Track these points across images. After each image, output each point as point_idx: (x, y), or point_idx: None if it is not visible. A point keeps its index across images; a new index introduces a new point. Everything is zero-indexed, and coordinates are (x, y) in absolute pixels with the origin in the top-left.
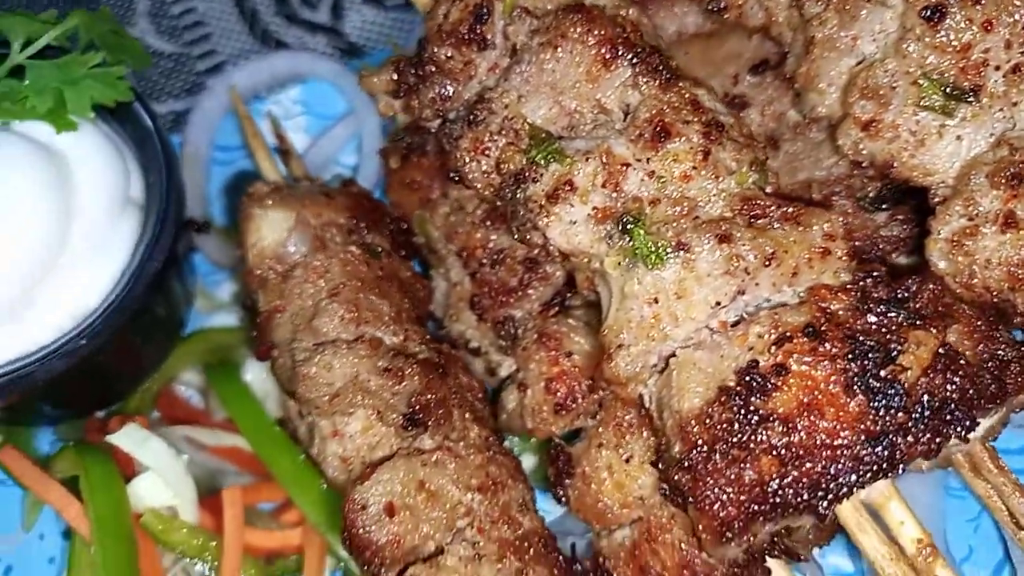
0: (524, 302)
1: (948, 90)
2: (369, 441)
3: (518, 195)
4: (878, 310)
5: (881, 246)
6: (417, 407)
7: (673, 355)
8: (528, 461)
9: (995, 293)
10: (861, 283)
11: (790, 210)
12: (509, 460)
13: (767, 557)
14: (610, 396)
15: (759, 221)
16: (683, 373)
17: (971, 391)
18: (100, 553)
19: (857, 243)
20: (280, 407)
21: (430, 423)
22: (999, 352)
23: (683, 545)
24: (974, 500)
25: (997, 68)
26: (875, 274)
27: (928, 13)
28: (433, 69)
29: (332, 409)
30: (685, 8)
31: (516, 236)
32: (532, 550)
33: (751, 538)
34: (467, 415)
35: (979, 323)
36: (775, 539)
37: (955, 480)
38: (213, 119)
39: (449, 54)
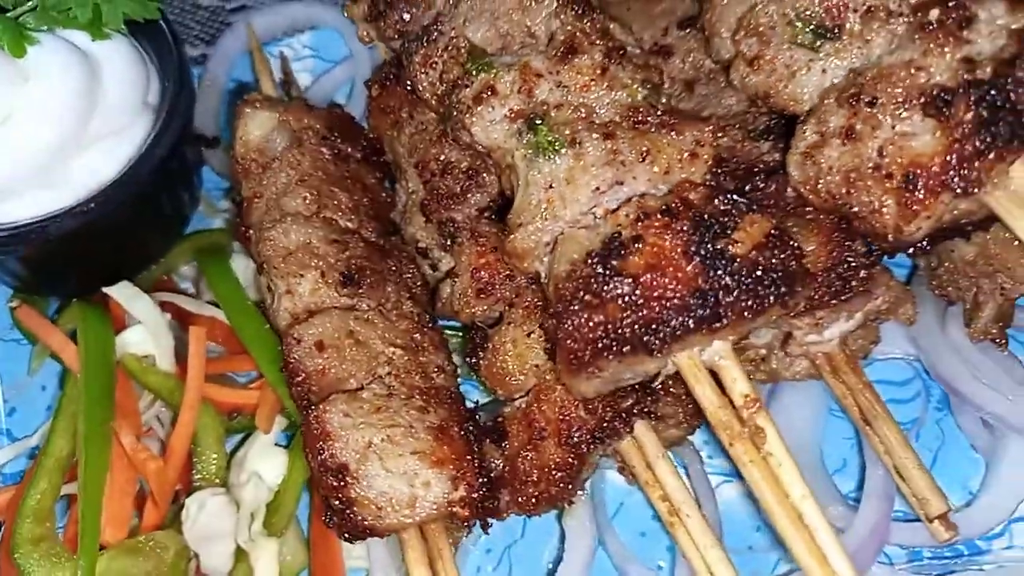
0: (464, 206)
1: (816, 29)
2: (316, 300)
3: (453, 99)
4: (724, 197)
5: (761, 167)
6: (353, 269)
7: (562, 233)
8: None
9: (836, 196)
10: (717, 178)
11: (669, 119)
12: (436, 335)
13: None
14: (523, 285)
15: (642, 126)
16: (565, 245)
17: (793, 268)
18: (84, 382)
19: (736, 159)
20: (255, 290)
21: (364, 286)
22: (850, 258)
23: (563, 402)
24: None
25: (855, 10)
26: (728, 169)
27: None
28: (397, 2)
29: (285, 268)
30: None
31: (451, 135)
32: (438, 397)
33: (598, 371)
34: (403, 292)
35: (836, 234)
36: (637, 403)
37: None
38: (233, 53)
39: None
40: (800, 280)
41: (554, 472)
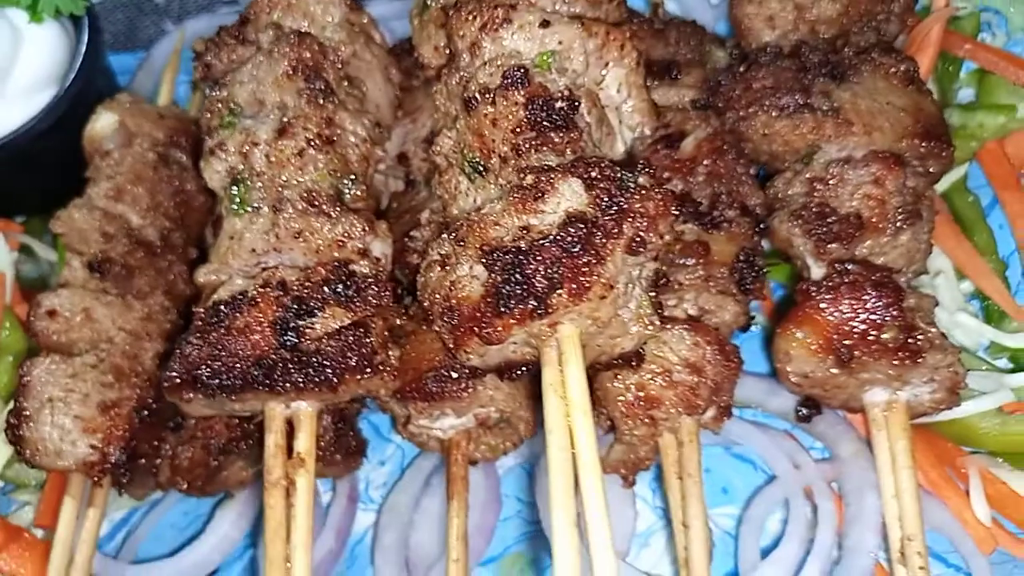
0: None
1: (473, 162)
2: (75, 276)
3: (204, 145)
4: (325, 288)
5: None
6: (98, 260)
7: (230, 277)
8: None
9: (430, 313)
10: (338, 270)
11: (328, 209)
12: (176, 328)
13: None
14: None
15: (310, 208)
16: (222, 289)
17: (351, 361)
18: None
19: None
20: None
21: (110, 275)
22: (454, 365)
23: None
24: None
25: (499, 155)
26: (341, 266)
27: (466, 103)
28: (215, 47)
29: (66, 243)
30: None
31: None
32: (135, 379)
33: (188, 398)
34: (161, 287)
35: None
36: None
37: None
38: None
39: (226, 40)
40: (354, 371)
41: (196, 468)
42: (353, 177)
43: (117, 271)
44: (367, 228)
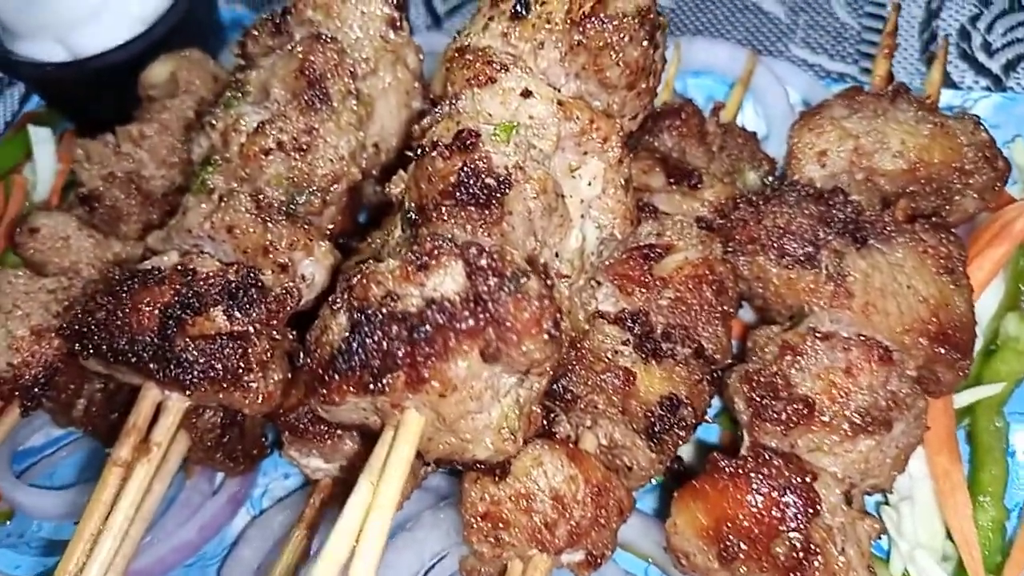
0: None
1: (406, 212)
2: (68, 204)
3: (204, 115)
4: (223, 290)
5: None
6: (94, 196)
7: (170, 250)
8: None
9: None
10: (252, 271)
11: (268, 215)
12: None
13: None
14: None
15: (253, 207)
16: (156, 258)
17: (213, 371)
18: None
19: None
20: None
21: (98, 211)
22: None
23: None
24: None
25: (426, 211)
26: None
27: (418, 149)
28: (256, 30)
29: (78, 167)
30: None
31: None
32: None
33: (79, 352)
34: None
35: None
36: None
37: None
38: None
39: (267, 27)
40: (214, 381)
41: (99, 416)
42: (312, 190)
43: (104, 210)
44: (299, 243)
